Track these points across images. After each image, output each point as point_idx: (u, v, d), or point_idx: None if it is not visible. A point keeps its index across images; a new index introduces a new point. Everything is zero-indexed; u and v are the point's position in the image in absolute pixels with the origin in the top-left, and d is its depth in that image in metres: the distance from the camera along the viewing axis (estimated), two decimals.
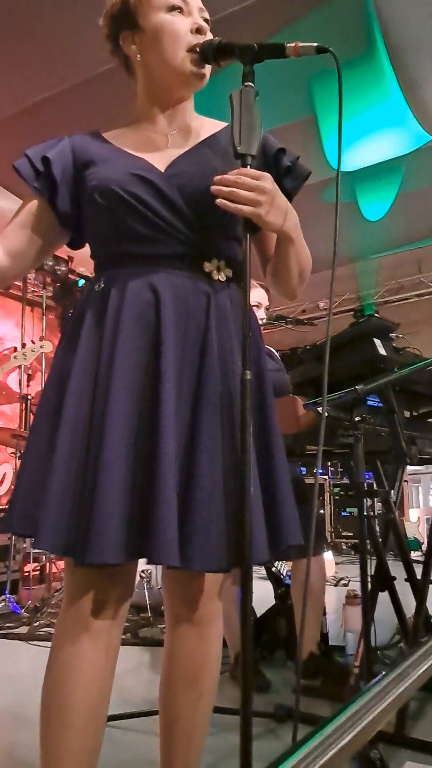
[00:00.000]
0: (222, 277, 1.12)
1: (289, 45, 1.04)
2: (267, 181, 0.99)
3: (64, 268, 5.02)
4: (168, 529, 0.93)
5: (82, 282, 5.08)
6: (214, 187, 0.98)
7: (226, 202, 0.98)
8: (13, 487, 1.08)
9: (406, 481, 6.83)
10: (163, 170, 1.10)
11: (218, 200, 0.97)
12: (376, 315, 1.81)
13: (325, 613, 2.46)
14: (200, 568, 0.97)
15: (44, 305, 5.39)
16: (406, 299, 7.11)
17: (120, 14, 1.14)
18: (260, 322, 2.46)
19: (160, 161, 1.12)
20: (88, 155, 1.14)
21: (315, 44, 1.02)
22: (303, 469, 3.61)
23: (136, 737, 1.84)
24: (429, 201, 5.21)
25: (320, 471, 6.18)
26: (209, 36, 1.13)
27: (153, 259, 1.08)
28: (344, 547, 6.51)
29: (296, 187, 1.19)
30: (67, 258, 5.05)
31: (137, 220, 1.07)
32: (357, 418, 1.55)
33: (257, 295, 2.47)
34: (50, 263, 4.90)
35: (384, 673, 1.05)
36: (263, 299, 2.49)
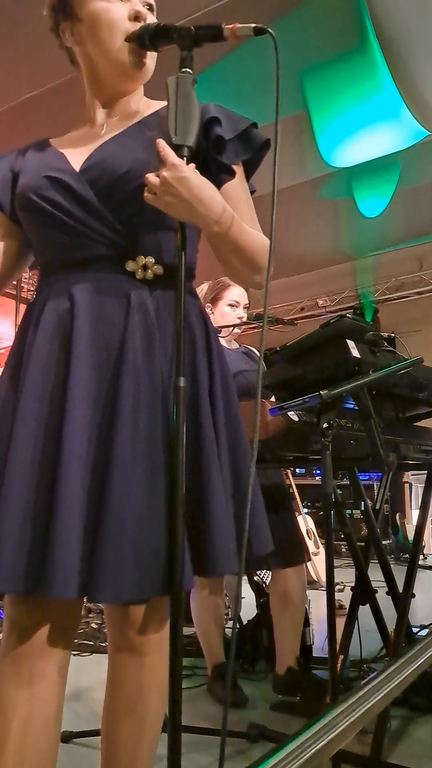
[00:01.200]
0: (149, 275, 1.03)
1: (226, 27, 0.97)
2: (170, 168, 0.91)
3: None
4: (63, 559, 0.86)
5: None
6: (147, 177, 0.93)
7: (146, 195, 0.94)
8: None
9: (407, 482, 6.72)
10: (79, 167, 1.04)
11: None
12: (348, 316, 1.72)
13: (309, 624, 2.38)
14: (106, 600, 0.90)
15: None
16: (407, 297, 7.00)
17: (59, 3, 1.09)
18: (238, 320, 2.39)
19: (82, 156, 1.05)
20: (20, 166, 1.11)
21: (253, 25, 0.95)
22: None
23: None
24: (429, 197, 5.12)
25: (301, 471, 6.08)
26: (151, 21, 1.06)
27: (75, 264, 1.03)
28: (343, 550, 6.41)
29: (243, 159, 1.09)
30: None
31: (56, 227, 1.03)
32: (324, 425, 1.47)
33: (235, 294, 2.39)
34: None
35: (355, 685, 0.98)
36: (242, 298, 2.41)
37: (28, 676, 0.96)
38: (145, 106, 1.15)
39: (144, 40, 1.03)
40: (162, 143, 0.93)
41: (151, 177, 0.93)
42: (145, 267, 1.03)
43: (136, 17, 1.05)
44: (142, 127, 1.09)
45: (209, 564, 0.94)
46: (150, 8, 1.10)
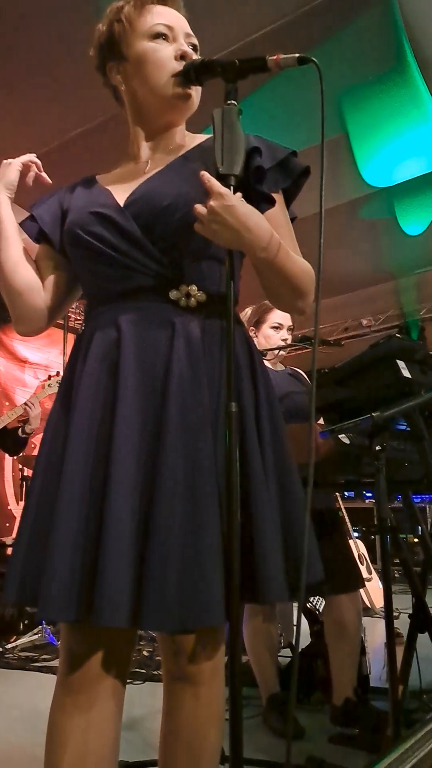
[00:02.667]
0: (193, 303, 1.04)
1: (270, 58, 0.99)
2: (216, 197, 0.93)
3: None
4: (113, 587, 0.87)
5: None
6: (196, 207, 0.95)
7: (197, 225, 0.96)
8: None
9: None
10: (123, 202, 1.07)
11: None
12: (397, 336, 1.70)
13: (365, 653, 2.31)
14: (153, 629, 0.91)
15: None
16: None
17: (107, 44, 1.13)
18: (284, 343, 2.38)
19: (126, 191, 1.08)
20: (68, 203, 1.15)
21: (296, 55, 0.97)
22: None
23: None
24: None
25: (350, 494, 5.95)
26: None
27: (121, 295, 1.06)
28: (397, 576, 6.22)
29: (283, 187, 1.11)
30: None
31: (103, 261, 1.06)
32: (377, 447, 1.44)
33: (279, 316, 2.39)
34: None
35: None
36: (285, 320, 2.41)
37: (84, 705, 0.96)
38: (189, 139, 1.17)
39: (190, 74, 1.06)
40: (206, 175, 0.95)
41: (199, 207, 0.95)
42: (188, 295, 1.04)
43: (182, 57, 1.08)
44: (185, 160, 1.11)
45: (259, 591, 0.92)
46: (194, 48, 1.12)
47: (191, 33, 1.13)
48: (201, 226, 0.96)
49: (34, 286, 1.13)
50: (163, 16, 1.10)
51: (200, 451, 0.95)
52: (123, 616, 0.87)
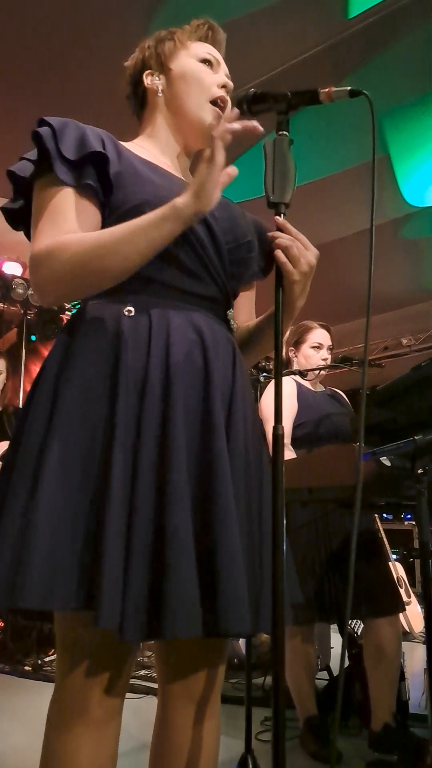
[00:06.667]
0: (235, 327, 1.11)
1: (322, 90, 1.02)
2: (315, 255, 1.02)
3: None
4: (184, 599, 0.84)
5: None
6: (277, 233, 1.00)
7: (279, 252, 0.99)
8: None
9: None
10: None
11: (278, 247, 0.99)
12: None
13: (404, 678, 2.28)
14: (232, 634, 0.88)
15: None
16: None
17: (152, 56, 1.15)
18: (324, 363, 2.39)
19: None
20: (130, 160, 1.04)
21: (348, 88, 1.00)
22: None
23: None
24: None
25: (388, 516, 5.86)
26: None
27: (192, 296, 1.02)
28: None
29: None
30: None
31: (187, 253, 1.01)
32: (419, 471, 1.44)
33: (319, 336, 2.40)
34: None
35: None
36: (325, 339, 2.42)
37: (102, 722, 0.90)
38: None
39: (242, 105, 1.10)
40: (287, 224, 1.01)
41: (312, 260, 1.02)
42: (233, 318, 1.10)
43: (224, 86, 1.13)
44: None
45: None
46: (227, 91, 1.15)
47: (229, 76, 1.17)
48: (299, 275, 1.01)
49: None
50: (213, 51, 1.16)
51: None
52: (198, 625, 0.84)
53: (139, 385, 0.92)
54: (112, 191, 0.99)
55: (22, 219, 1.04)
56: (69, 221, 0.96)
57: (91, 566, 0.84)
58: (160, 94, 1.14)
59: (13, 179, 1.01)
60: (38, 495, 0.84)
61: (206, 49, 1.15)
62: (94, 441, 0.89)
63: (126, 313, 0.97)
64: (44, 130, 0.97)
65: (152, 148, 1.14)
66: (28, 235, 1.04)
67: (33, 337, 5.41)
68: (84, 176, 0.97)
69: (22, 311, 5.32)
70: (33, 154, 0.99)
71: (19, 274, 5.03)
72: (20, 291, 4.98)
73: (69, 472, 0.87)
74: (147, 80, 1.14)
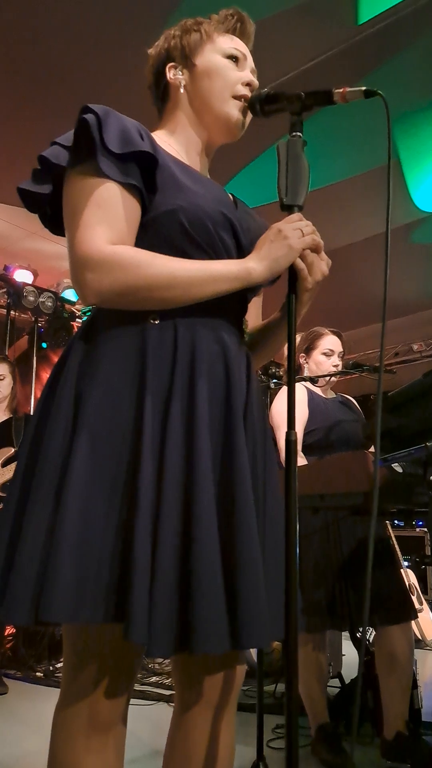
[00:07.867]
0: (247, 337, 1.11)
1: (336, 91, 1.01)
2: (328, 264, 1.03)
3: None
4: (211, 613, 0.84)
5: None
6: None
7: (298, 259, 0.99)
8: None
9: None
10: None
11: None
12: None
13: (417, 686, 2.25)
14: (254, 645, 0.88)
15: None
16: None
17: (177, 47, 1.12)
18: (335, 369, 2.38)
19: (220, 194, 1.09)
20: (168, 163, 1.01)
21: (363, 88, 0.99)
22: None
23: None
24: None
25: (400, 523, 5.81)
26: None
27: (216, 306, 0.99)
28: None
29: None
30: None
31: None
32: (431, 477, 1.43)
33: (330, 342, 2.39)
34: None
35: None
36: (336, 346, 2.40)
37: (109, 730, 0.91)
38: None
39: (254, 106, 1.09)
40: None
41: (326, 270, 1.03)
42: (246, 327, 1.10)
43: (248, 84, 1.11)
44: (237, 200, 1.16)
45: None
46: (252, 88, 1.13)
47: (255, 70, 1.16)
48: (313, 283, 1.01)
49: None
50: (240, 45, 1.13)
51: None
52: (226, 640, 0.84)
53: (165, 395, 0.92)
54: (154, 193, 0.98)
55: (41, 203, 1.01)
56: (119, 221, 0.93)
57: (120, 579, 0.83)
58: (183, 90, 1.11)
59: (44, 164, 0.96)
60: (66, 502, 0.83)
61: (233, 44, 1.12)
62: (123, 448, 0.89)
63: (152, 321, 0.96)
64: (90, 117, 0.93)
65: (176, 145, 1.12)
66: (42, 220, 1.05)
67: (44, 345, 5.42)
68: (129, 174, 0.94)
69: (33, 318, 5.31)
70: (66, 139, 0.96)
71: (30, 282, 5.03)
72: (31, 298, 4.93)
73: (97, 479, 0.87)
74: (170, 73, 1.12)
